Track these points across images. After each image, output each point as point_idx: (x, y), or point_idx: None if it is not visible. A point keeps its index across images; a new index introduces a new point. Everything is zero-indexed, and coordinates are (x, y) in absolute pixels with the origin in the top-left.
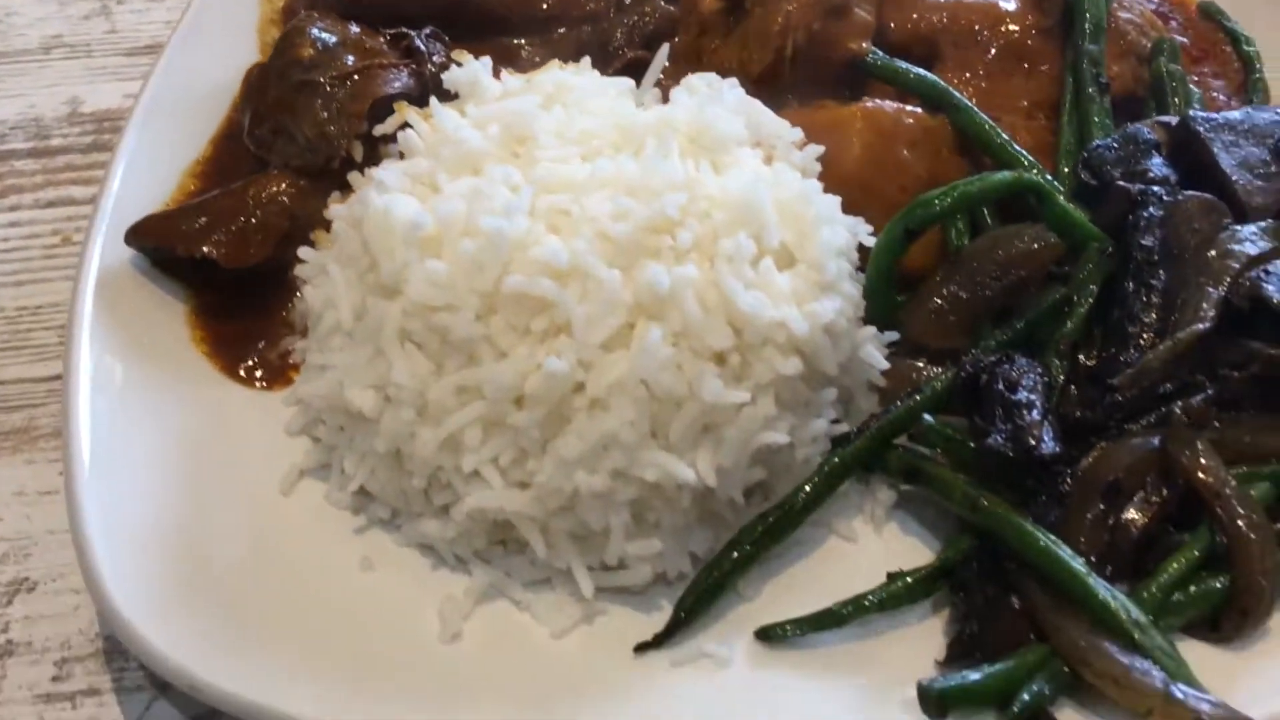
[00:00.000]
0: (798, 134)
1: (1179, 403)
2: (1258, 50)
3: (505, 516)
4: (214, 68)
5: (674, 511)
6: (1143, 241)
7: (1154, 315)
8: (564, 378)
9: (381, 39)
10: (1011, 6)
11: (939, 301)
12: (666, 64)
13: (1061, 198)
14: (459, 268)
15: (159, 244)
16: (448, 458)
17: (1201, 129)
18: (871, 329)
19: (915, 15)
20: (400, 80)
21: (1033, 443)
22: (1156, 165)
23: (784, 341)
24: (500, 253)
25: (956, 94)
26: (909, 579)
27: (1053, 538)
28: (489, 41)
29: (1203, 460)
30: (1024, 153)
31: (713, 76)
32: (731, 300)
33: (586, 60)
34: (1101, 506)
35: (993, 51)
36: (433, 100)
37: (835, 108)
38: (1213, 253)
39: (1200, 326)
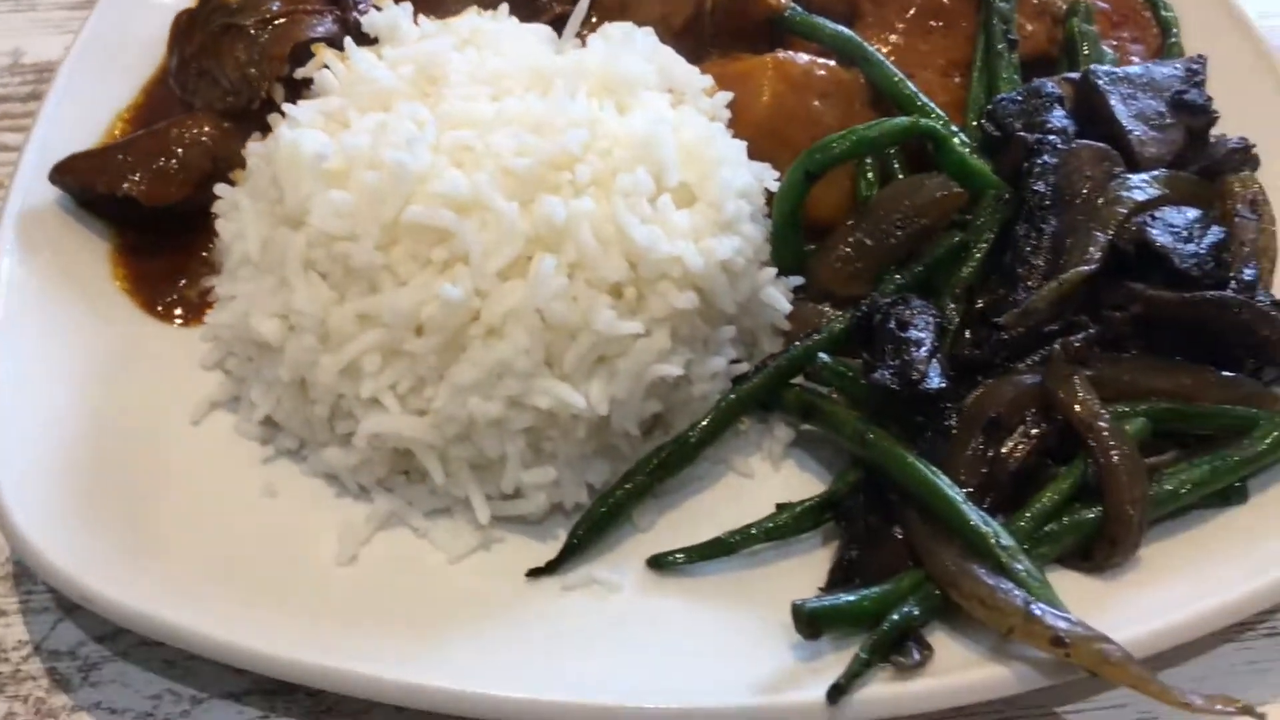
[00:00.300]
0: (707, 81)
1: (1060, 341)
2: (1175, 15)
3: (404, 444)
4: (150, 14)
5: (569, 442)
6: (1035, 187)
7: (1043, 258)
8: (459, 305)
9: None
10: None
11: (846, 249)
12: (593, 18)
13: (958, 144)
14: (361, 198)
15: (81, 183)
16: (348, 385)
17: (1100, 81)
18: (772, 271)
19: None
20: (323, 25)
21: (917, 377)
22: (1057, 117)
23: (679, 276)
24: (402, 184)
25: (869, 48)
26: (796, 509)
27: (933, 469)
28: None
29: (1078, 395)
30: (933, 105)
31: (629, 25)
32: (627, 234)
33: (504, 8)
34: (982, 440)
35: (911, 10)
36: (348, 42)
37: (749, 58)
38: (1102, 199)
39: (1086, 268)
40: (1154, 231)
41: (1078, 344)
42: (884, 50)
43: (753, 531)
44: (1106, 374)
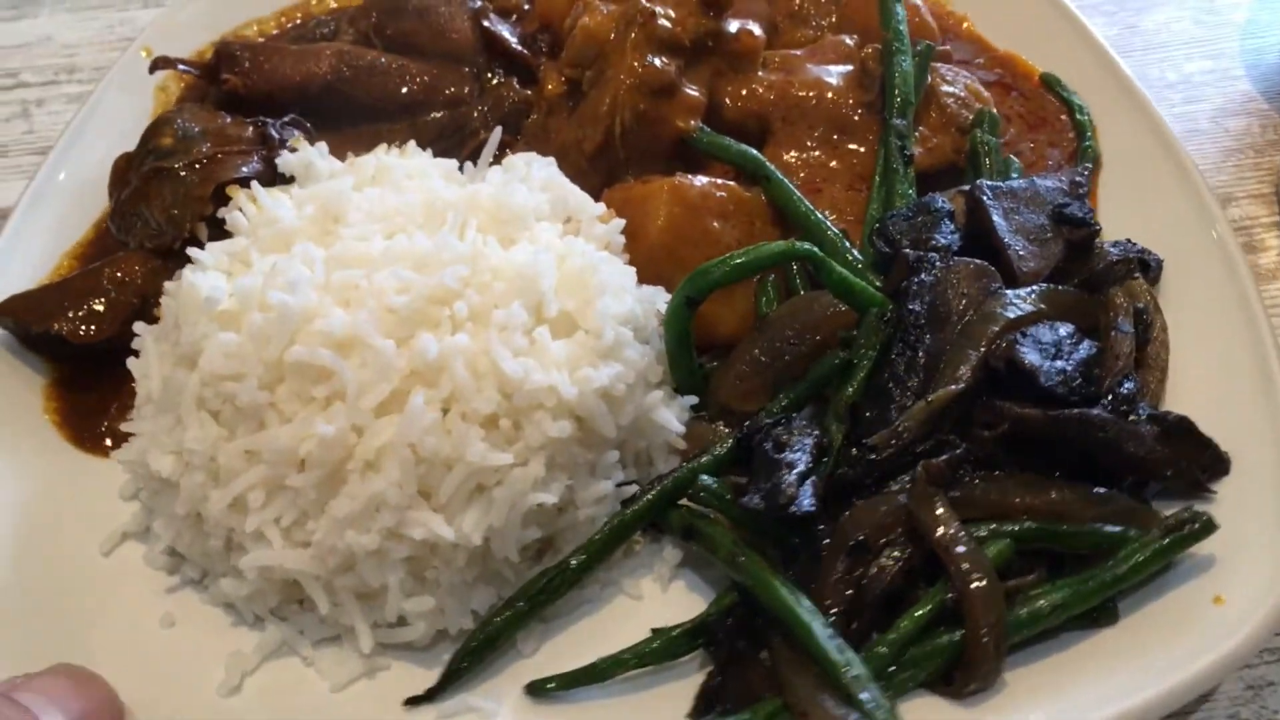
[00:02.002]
0: (599, 209)
1: (922, 462)
2: (1090, 119)
3: (289, 575)
4: (104, 158)
5: (450, 570)
6: (910, 306)
7: (916, 378)
8: (334, 441)
9: (249, 129)
10: (836, 84)
11: (743, 366)
12: (528, 144)
13: (836, 265)
14: (248, 338)
15: (18, 321)
16: (236, 519)
17: (984, 196)
18: (659, 392)
19: (746, 93)
20: (249, 165)
21: (784, 501)
22: (943, 233)
23: (554, 405)
24: (286, 325)
25: (770, 167)
26: (671, 634)
27: (797, 593)
28: (360, 128)
29: (937, 517)
30: (827, 223)
31: (531, 156)
32: (500, 367)
33: (411, 144)
34: (849, 563)
35: (819, 128)
36: (254, 184)
37: (649, 182)
38: (976, 317)
39: (955, 388)
40: (1023, 349)
41: (939, 464)
42: (796, 166)
43: (625, 658)
44: (976, 493)
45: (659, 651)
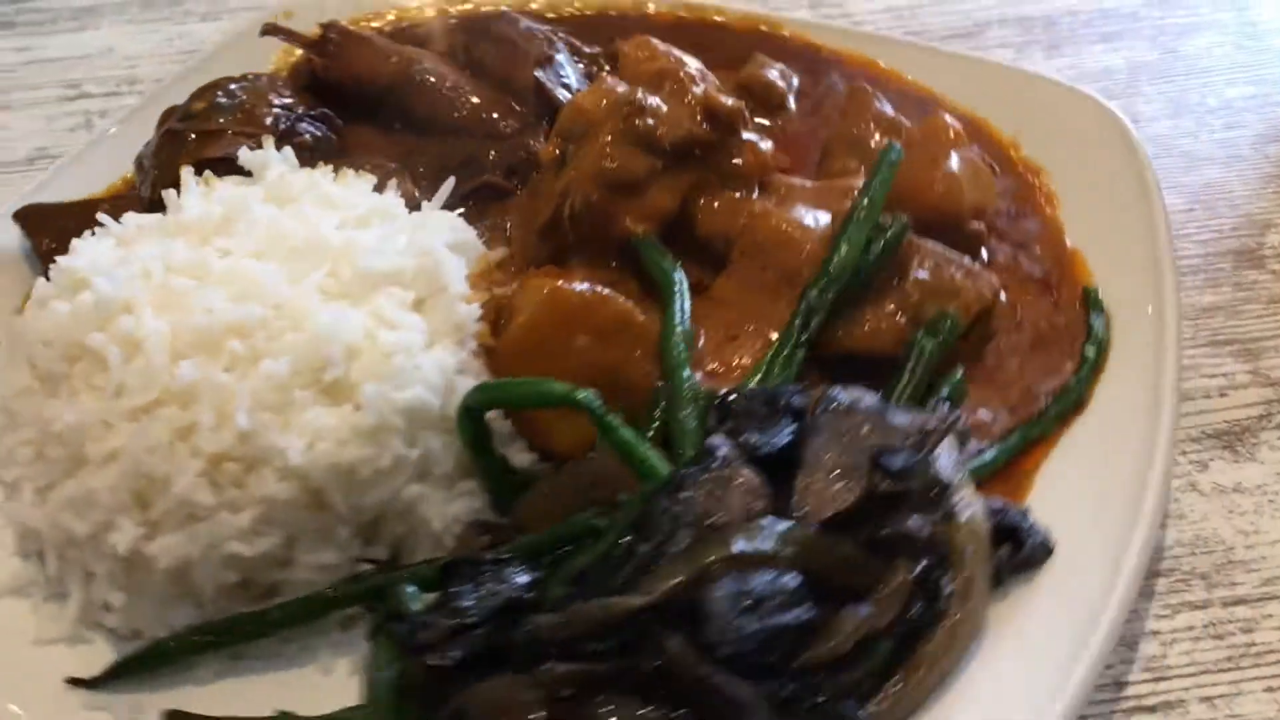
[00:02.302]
0: (465, 291)
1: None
2: (1097, 363)
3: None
4: None
5: (151, 578)
6: (659, 497)
7: (625, 574)
8: (76, 429)
9: (274, 114)
10: (813, 230)
11: (539, 494)
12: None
13: (619, 427)
14: (71, 312)
15: (24, 228)
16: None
17: (820, 410)
18: (429, 488)
19: (718, 213)
20: (233, 148)
21: (421, 642)
22: (774, 432)
23: (281, 467)
24: (101, 310)
25: (674, 294)
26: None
27: None
28: (395, 134)
29: None
30: (687, 373)
31: (443, 215)
32: (233, 414)
33: (350, 173)
34: None
35: (770, 271)
36: (185, 170)
37: (535, 277)
38: (713, 536)
39: (638, 601)
40: (717, 590)
41: (556, 674)
42: (732, 302)
43: None
44: (587, 713)
45: None
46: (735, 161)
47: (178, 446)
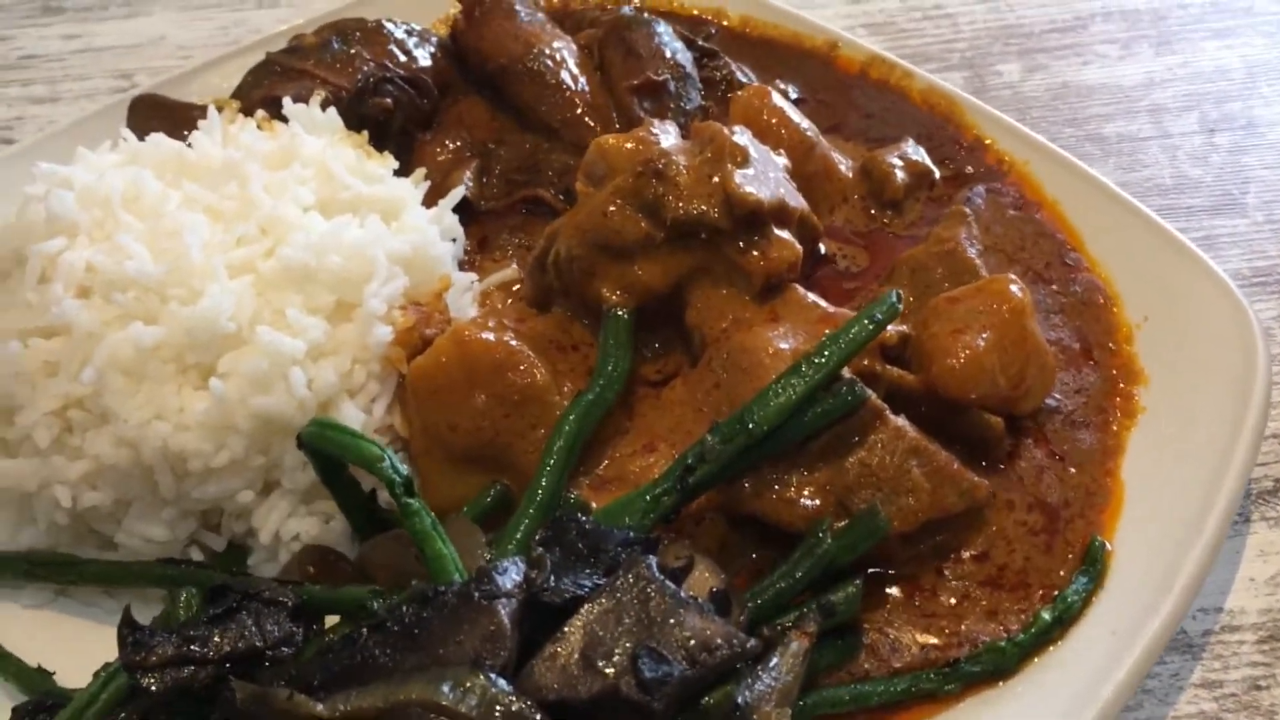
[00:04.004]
0: (381, 309)
1: None
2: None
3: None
4: None
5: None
6: (412, 604)
7: (350, 666)
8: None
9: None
10: (773, 364)
11: (385, 542)
12: None
13: (423, 521)
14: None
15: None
16: None
17: (627, 575)
18: (266, 499)
19: (701, 306)
20: (298, 92)
21: (136, 664)
22: (575, 577)
23: (116, 434)
24: (50, 226)
25: (594, 387)
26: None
27: None
28: (500, 116)
29: None
30: (549, 480)
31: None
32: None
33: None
34: None
35: (719, 392)
36: (211, 108)
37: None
38: (434, 671)
39: (321, 714)
40: None
41: None
42: (672, 404)
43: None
44: None
45: None
46: (747, 256)
47: (38, 379)
